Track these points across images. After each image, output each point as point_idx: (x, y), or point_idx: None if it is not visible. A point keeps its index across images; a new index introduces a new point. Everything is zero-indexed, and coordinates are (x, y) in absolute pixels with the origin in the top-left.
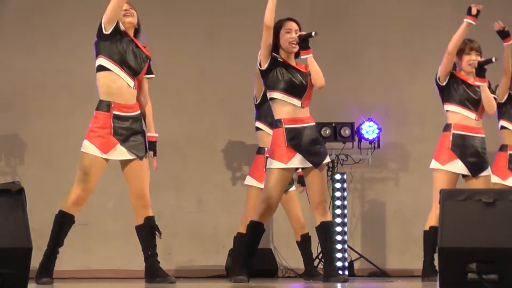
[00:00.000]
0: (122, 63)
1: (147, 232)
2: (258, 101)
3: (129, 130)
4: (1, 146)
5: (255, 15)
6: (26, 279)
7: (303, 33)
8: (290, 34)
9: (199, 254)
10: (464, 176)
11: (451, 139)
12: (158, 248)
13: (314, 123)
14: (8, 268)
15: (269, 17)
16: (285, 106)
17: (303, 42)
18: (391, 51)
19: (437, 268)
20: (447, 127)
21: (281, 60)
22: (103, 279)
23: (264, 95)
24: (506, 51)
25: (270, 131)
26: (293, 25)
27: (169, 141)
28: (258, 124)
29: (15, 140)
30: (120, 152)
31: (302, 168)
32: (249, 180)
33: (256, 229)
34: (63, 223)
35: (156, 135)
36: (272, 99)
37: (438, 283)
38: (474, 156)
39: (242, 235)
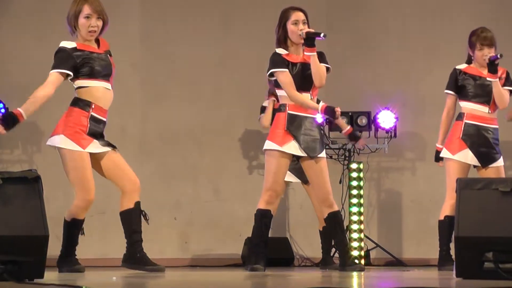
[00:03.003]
0: None
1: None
2: None
3: None
4: (18, 134)
5: (271, 4)
6: (43, 267)
7: (312, 30)
8: (297, 26)
9: (215, 243)
10: (475, 166)
11: (462, 128)
12: (174, 237)
13: (315, 116)
14: (25, 256)
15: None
16: None
17: (309, 40)
18: (409, 40)
19: (453, 257)
20: (459, 116)
21: (285, 58)
22: (121, 268)
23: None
24: None
25: None
26: (300, 16)
27: (186, 130)
28: None
29: (32, 128)
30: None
31: (298, 158)
32: None
33: (264, 217)
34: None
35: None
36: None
37: (454, 272)
38: (485, 147)
39: None
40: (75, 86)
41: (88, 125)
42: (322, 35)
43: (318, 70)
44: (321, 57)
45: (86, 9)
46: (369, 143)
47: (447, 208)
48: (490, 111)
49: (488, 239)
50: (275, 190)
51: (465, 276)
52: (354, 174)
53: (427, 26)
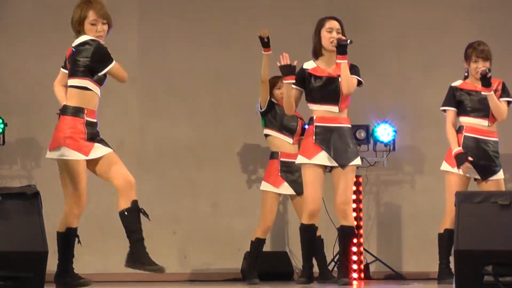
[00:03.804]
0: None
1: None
2: (263, 109)
3: None
4: (17, 150)
5: (268, 20)
6: (42, 283)
7: (343, 38)
8: (331, 34)
9: (214, 258)
10: (476, 179)
11: (462, 141)
12: (174, 252)
13: (349, 125)
14: (24, 272)
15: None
16: (320, 109)
17: (341, 47)
18: (407, 54)
19: (453, 270)
20: (459, 129)
21: (309, 72)
22: (121, 282)
23: (270, 103)
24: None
25: (279, 135)
26: (334, 24)
27: (185, 145)
28: (266, 131)
29: (31, 144)
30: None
31: (331, 168)
32: (264, 185)
33: (307, 232)
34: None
35: None
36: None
37: (454, 285)
38: (484, 159)
39: (259, 241)
40: (80, 85)
41: (86, 130)
42: (349, 41)
43: (346, 77)
44: (353, 70)
45: (92, 15)
46: (368, 157)
47: (447, 221)
48: (489, 124)
49: (487, 252)
50: (313, 202)
51: None
52: (353, 188)
53: (425, 40)
